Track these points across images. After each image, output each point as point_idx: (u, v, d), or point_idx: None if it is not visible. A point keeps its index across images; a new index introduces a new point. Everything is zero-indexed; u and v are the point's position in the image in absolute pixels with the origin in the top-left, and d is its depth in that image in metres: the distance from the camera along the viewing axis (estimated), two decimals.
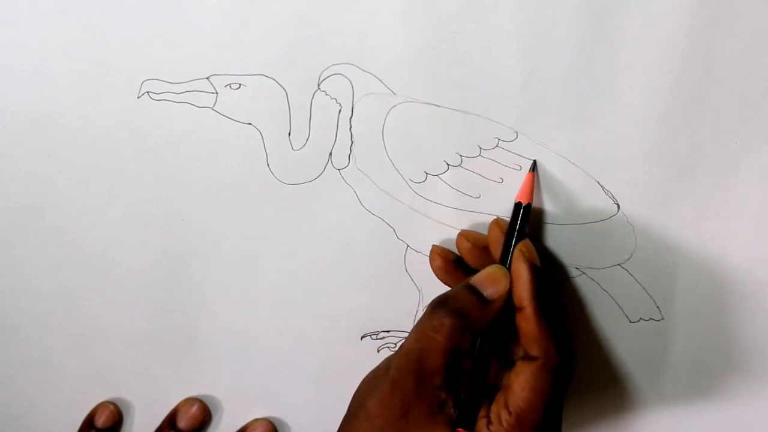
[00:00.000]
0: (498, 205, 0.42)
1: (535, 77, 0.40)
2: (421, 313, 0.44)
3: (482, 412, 0.38)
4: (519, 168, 0.42)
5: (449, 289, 0.42)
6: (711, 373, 0.44)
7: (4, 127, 0.43)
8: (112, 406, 0.47)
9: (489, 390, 0.39)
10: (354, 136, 0.42)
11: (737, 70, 0.40)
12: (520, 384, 0.37)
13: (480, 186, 0.42)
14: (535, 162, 0.41)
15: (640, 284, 0.43)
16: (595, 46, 0.40)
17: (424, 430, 0.37)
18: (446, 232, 0.43)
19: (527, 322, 0.38)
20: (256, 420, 0.47)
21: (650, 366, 0.44)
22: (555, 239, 0.43)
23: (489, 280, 0.39)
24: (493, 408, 0.38)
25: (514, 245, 0.40)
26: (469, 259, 0.42)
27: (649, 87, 0.40)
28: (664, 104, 0.40)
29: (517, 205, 0.41)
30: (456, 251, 0.43)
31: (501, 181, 0.42)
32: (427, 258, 0.43)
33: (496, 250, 0.41)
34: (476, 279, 0.39)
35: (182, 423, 0.46)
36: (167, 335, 0.46)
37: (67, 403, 0.47)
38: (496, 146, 0.41)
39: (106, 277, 0.45)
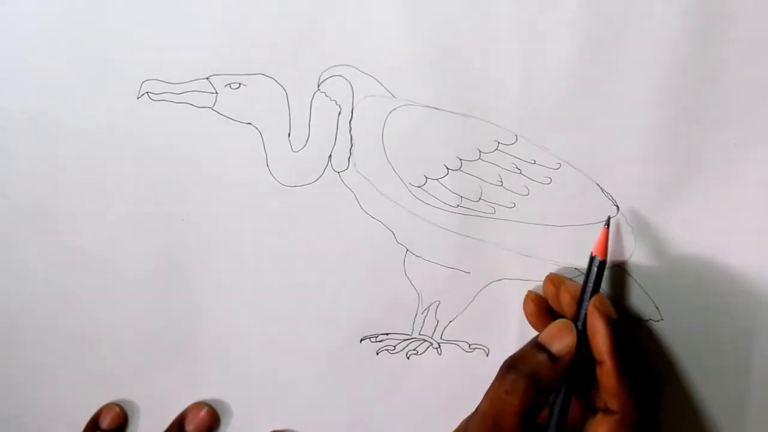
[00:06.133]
0: (497, 208, 0.43)
1: (534, 80, 0.40)
2: (420, 317, 0.45)
3: None
4: (519, 171, 0.42)
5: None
6: (710, 373, 0.44)
7: (3, 127, 0.43)
8: (117, 408, 0.46)
9: None
10: (354, 139, 0.42)
11: (737, 72, 0.40)
12: None
13: (479, 189, 0.42)
14: (609, 218, 0.41)
15: (639, 285, 0.43)
16: (595, 48, 0.40)
17: None
18: (446, 236, 0.43)
19: (607, 376, 0.38)
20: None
21: (649, 366, 0.44)
22: (555, 241, 0.43)
23: (556, 337, 0.39)
24: None
25: (588, 299, 0.40)
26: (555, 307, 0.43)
27: (649, 89, 0.40)
28: (663, 106, 0.40)
29: (592, 259, 0.40)
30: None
31: (500, 184, 0.42)
32: (427, 261, 0.44)
33: (555, 303, 0.42)
34: (544, 336, 0.39)
35: (190, 427, 0.46)
36: (166, 336, 0.46)
37: (67, 403, 0.47)
38: (496, 149, 0.41)
39: (106, 277, 0.45)
